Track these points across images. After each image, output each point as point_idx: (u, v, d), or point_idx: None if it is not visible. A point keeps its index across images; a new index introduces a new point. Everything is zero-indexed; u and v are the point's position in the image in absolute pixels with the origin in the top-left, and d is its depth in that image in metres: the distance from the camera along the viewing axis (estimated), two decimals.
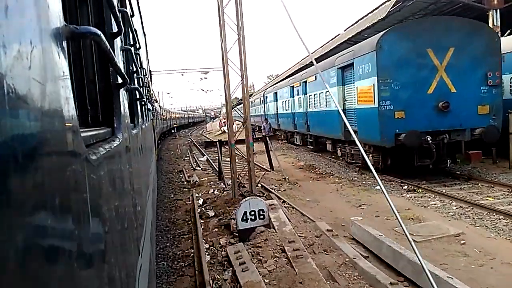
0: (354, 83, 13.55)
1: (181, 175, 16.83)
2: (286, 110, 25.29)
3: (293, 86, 23.42)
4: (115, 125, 1.80)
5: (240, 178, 11.62)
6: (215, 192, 12.05)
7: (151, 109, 9.93)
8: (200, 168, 17.85)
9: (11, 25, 0.58)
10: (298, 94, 22.00)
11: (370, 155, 12.60)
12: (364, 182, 12.75)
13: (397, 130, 11.47)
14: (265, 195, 10.53)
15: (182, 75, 52.24)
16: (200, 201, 10.82)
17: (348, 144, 14.90)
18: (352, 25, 21.82)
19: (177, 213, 10.58)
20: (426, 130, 11.47)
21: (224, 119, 57.84)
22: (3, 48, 0.54)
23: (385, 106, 11.57)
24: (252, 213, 7.17)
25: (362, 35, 19.57)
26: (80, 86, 1.66)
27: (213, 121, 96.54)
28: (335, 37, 25.09)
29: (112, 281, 1.21)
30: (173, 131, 47.65)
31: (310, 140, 21.07)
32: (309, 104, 19.61)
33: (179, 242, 8.23)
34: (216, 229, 8.28)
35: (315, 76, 17.94)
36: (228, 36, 10.14)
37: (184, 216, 10.13)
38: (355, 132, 12.19)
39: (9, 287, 0.51)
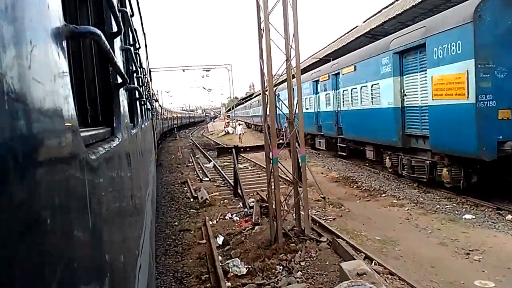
0: (424, 71, 10.20)
1: (185, 188, 13.82)
2: (307, 109, 21.09)
3: (317, 81, 19.51)
4: (114, 124, 1.80)
5: (259, 194, 10.13)
6: (234, 217, 9.27)
7: (151, 108, 9.93)
8: (208, 179, 15.01)
9: (11, 25, 0.58)
10: (325, 90, 18.25)
11: (445, 169, 9.69)
12: (439, 206, 9.27)
13: (500, 137, 8.29)
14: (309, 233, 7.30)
15: (184, 71, 51.85)
16: (219, 240, 7.60)
17: (405, 153, 11.57)
18: (374, 15, 19.68)
19: (186, 259, 7.10)
20: None
21: (228, 119, 56.59)
22: (3, 47, 0.54)
23: (485, 102, 8.28)
24: None
25: (383, 27, 17.87)
26: (79, 85, 1.66)
27: (213, 121, 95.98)
28: (352, 29, 22.81)
29: (111, 280, 1.21)
30: (174, 131, 46.58)
31: (342, 145, 16.89)
32: (343, 102, 15.86)
33: None
34: None
35: (354, 66, 14.43)
36: None
37: (198, 267, 6.68)
38: (424, 137, 10.43)
39: (6, 287, 0.51)
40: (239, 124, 35.35)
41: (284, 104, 8.15)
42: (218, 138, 40.06)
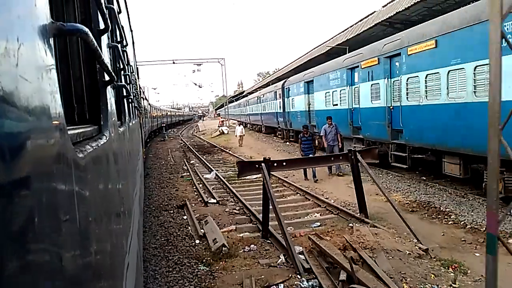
0: None
1: (184, 217, 9.39)
2: (335, 105, 16.78)
3: (352, 68, 15.08)
4: (102, 122, 1.80)
5: (312, 240, 6.38)
6: None
7: (138, 106, 9.86)
8: (215, 201, 10.59)
9: None
10: (368, 80, 13.65)
11: None
12: None
13: None
14: None
15: (174, 62, 48.44)
16: None
17: None
18: None
19: None
20: None
21: (223, 117, 52.61)
22: None
23: None
24: None
25: (403, 13, 16.48)
26: (66, 83, 1.65)
27: (203, 120, 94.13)
28: (369, 15, 20.52)
29: (99, 279, 1.21)
30: (162, 130, 43.15)
31: (399, 153, 12.15)
32: (407, 94, 11.45)
33: None
34: None
35: (436, 41, 9.88)
36: None
37: None
38: None
39: None
40: (239, 124, 30.85)
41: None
42: (212, 139, 35.64)
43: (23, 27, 0.69)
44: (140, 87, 15.07)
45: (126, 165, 3.07)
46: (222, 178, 13.51)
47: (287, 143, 26.06)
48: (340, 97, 16.35)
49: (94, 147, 1.32)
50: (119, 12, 3.70)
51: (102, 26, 1.90)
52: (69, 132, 0.96)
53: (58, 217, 0.80)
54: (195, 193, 12.21)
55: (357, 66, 14.60)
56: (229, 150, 23.97)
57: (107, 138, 1.69)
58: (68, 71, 1.68)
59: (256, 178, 12.10)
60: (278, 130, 30.17)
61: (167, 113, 55.50)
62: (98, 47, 1.42)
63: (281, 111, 27.11)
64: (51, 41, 0.88)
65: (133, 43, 8.87)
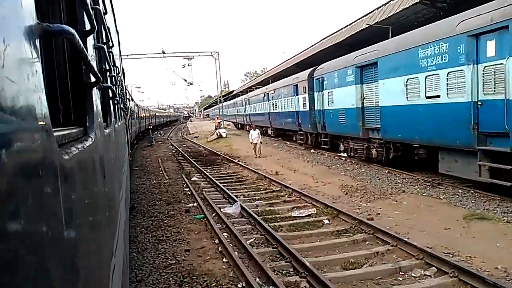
0: None
1: None
2: (433, 97, 10.88)
3: (481, 34, 9.13)
4: (87, 124, 1.79)
5: None
6: None
7: (124, 108, 9.78)
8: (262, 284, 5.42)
9: None
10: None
11: None
12: None
13: None
14: None
15: (164, 52, 41.56)
16: None
17: None
18: None
19: None
20: None
21: (219, 118, 41.63)
22: None
23: None
24: None
25: None
26: (52, 84, 1.63)
27: (191, 121, 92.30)
28: None
29: (85, 283, 1.20)
30: (149, 133, 37.98)
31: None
32: None
33: None
34: None
35: None
36: None
37: None
38: None
39: None
40: (254, 128, 20.93)
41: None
42: (210, 144, 28.77)
43: (9, 28, 0.69)
44: (126, 88, 14.90)
45: (112, 167, 3.05)
46: (253, 214, 8.64)
47: (312, 150, 20.44)
48: (449, 84, 10.26)
49: (79, 149, 1.31)
50: (105, 13, 3.68)
51: (88, 27, 1.89)
52: (54, 134, 0.96)
53: (43, 219, 0.79)
54: (223, 260, 6.59)
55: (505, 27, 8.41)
56: (238, 160, 18.69)
57: (93, 140, 1.68)
58: (53, 72, 1.67)
59: (296, 209, 9.36)
60: (299, 134, 23.55)
61: (154, 114, 53.75)
62: (84, 48, 1.42)
63: (306, 109, 20.98)
64: (37, 42, 0.87)
65: (119, 44, 8.80)
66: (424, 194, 10.29)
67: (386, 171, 13.45)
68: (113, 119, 3.86)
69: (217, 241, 7.45)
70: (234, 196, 10.72)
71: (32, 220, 0.72)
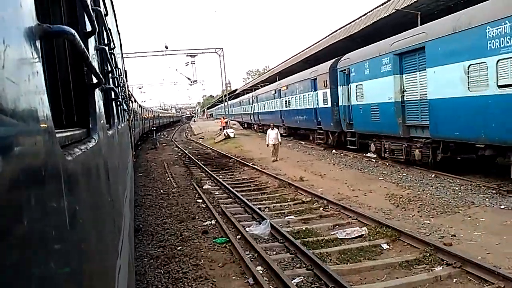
0: None
1: None
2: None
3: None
4: (90, 125, 1.79)
5: None
6: None
7: (127, 109, 9.80)
8: None
9: None
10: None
11: None
12: None
13: None
14: None
15: (166, 47, 38.94)
16: None
17: None
18: None
19: None
20: None
21: (226, 118, 38.55)
22: None
23: None
24: None
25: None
26: (54, 86, 1.63)
27: (194, 121, 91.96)
28: None
29: (90, 283, 1.20)
30: (152, 134, 36.72)
31: None
32: None
33: None
34: None
35: None
36: None
37: None
38: None
39: None
40: (272, 128, 18.07)
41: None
42: (217, 146, 27.04)
43: (9, 29, 0.68)
44: (128, 90, 14.90)
45: (116, 168, 3.05)
46: (288, 237, 6.93)
47: (334, 151, 18.36)
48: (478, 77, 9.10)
49: (83, 150, 1.31)
50: (106, 14, 3.68)
51: (89, 28, 1.89)
52: (57, 135, 0.96)
53: (48, 221, 0.79)
54: None
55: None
56: (253, 164, 16.75)
57: (96, 141, 1.68)
58: (55, 73, 1.67)
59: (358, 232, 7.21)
60: (318, 133, 20.99)
61: (158, 115, 53.62)
62: (85, 49, 1.42)
63: (327, 105, 18.55)
64: (38, 43, 0.87)
65: (120, 45, 8.81)
66: (502, 207, 8.10)
67: (433, 175, 11.30)
68: (116, 120, 3.86)
69: (251, 280, 5.60)
70: (257, 210, 8.96)
71: (36, 221, 0.72)
